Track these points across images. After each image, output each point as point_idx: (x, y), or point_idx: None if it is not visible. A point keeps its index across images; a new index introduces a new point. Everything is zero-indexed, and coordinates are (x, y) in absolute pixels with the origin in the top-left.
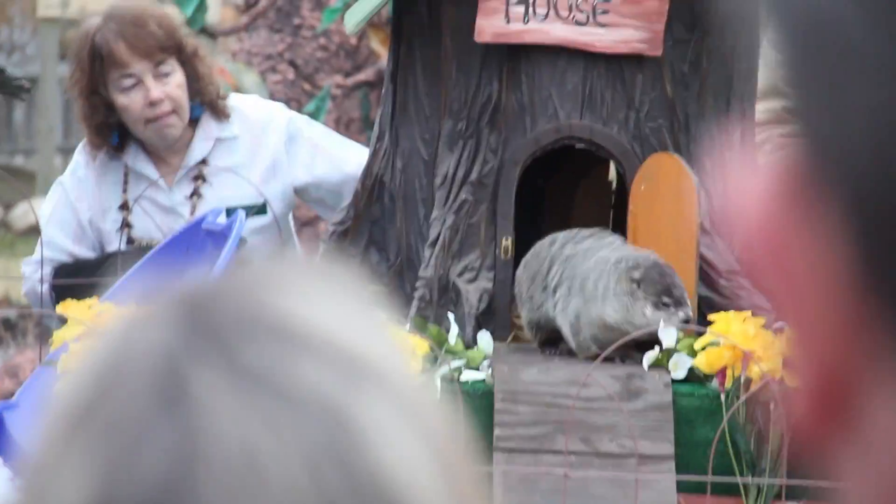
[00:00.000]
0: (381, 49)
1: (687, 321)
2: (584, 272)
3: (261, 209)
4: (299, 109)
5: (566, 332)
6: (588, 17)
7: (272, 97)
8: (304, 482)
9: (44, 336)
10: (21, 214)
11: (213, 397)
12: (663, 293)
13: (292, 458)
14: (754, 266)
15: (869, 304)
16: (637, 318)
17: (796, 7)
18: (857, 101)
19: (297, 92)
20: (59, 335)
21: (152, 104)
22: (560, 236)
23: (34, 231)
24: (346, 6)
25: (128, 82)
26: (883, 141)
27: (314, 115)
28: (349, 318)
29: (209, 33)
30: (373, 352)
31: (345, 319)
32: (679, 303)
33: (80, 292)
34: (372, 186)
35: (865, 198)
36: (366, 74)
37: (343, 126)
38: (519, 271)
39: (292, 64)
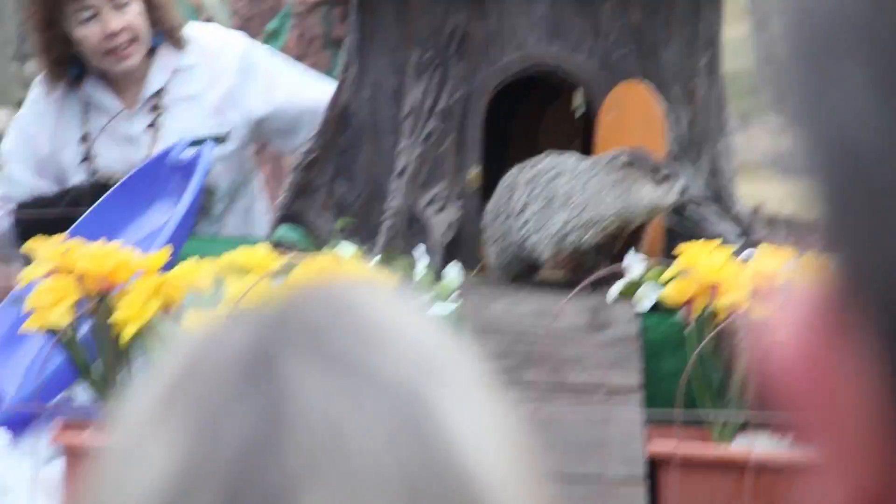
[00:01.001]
0: None
1: (685, 190)
2: (561, 186)
3: (220, 138)
4: (261, 27)
5: (542, 247)
6: None
7: (234, 14)
8: (382, 452)
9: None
10: None
11: (298, 374)
12: (657, 169)
13: (373, 430)
14: (790, 393)
15: None
16: (637, 200)
17: (829, 146)
18: (892, 231)
19: (259, 9)
20: (27, 273)
21: (111, 36)
22: (514, 168)
23: None
24: None
25: (85, 14)
26: None
27: (277, 33)
28: (421, 318)
29: None
30: (445, 347)
31: (417, 319)
32: (672, 175)
33: (45, 229)
34: (338, 117)
35: None
36: None
37: (306, 43)
38: (484, 218)
39: None
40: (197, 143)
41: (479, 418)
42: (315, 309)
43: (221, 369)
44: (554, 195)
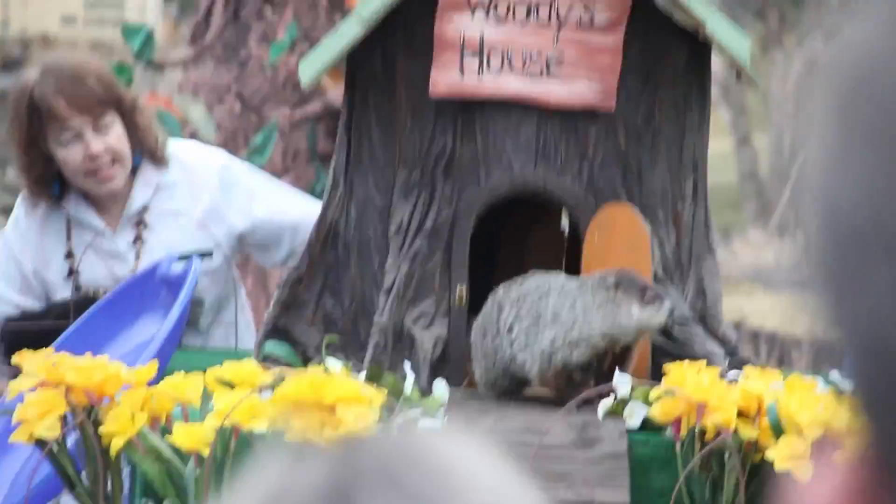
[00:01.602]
0: (328, 82)
1: (673, 311)
2: (549, 305)
3: (206, 253)
4: (246, 141)
5: (530, 364)
6: (542, 70)
7: (219, 129)
8: None
9: None
10: None
11: None
12: (644, 290)
13: None
14: None
15: None
16: (625, 320)
17: (864, 325)
18: None
19: (245, 124)
20: (14, 385)
21: (92, 158)
22: (500, 287)
23: None
24: (293, 41)
25: (67, 136)
26: None
27: (262, 148)
28: (488, 460)
29: (156, 65)
30: (513, 488)
31: (486, 460)
32: (660, 296)
33: (31, 343)
34: (326, 234)
35: None
36: (313, 107)
37: (290, 157)
38: (472, 336)
39: (239, 96)
40: (184, 257)
41: None
42: (387, 450)
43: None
44: (542, 313)
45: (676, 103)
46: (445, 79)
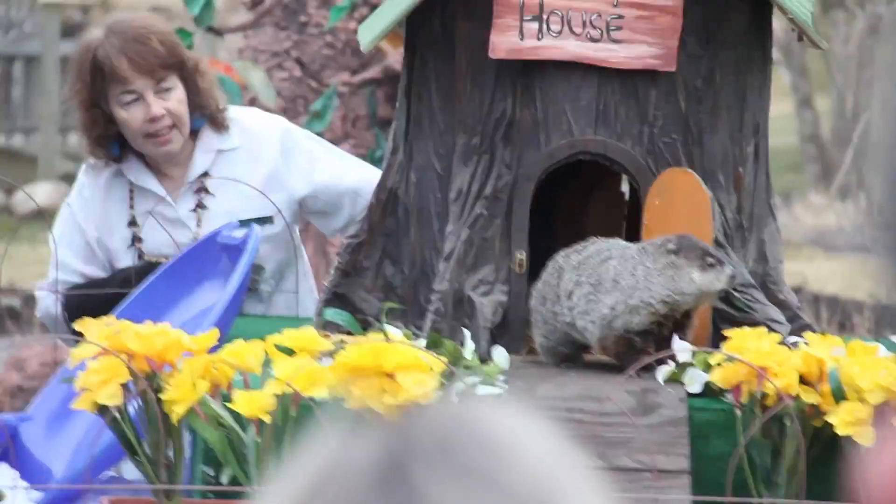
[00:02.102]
0: (387, 47)
1: (734, 277)
2: (609, 271)
3: (266, 219)
4: (306, 107)
5: (591, 330)
6: (602, 34)
7: (279, 95)
8: None
9: (51, 332)
10: (23, 199)
11: (432, 484)
12: (705, 255)
13: None
14: None
15: None
16: (686, 285)
17: None
18: None
19: (304, 89)
20: (76, 353)
21: (152, 120)
22: (560, 253)
23: (37, 216)
24: (352, 5)
25: (129, 98)
26: None
27: (321, 113)
28: (538, 431)
29: (216, 31)
30: (563, 457)
31: (535, 431)
32: (721, 261)
33: (93, 311)
34: (386, 200)
35: None
36: (373, 72)
37: (350, 123)
38: (532, 301)
39: (299, 61)
40: (244, 224)
41: None
42: (439, 422)
43: (355, 480)
44: (602, 279)
45: (737, 65)
46: (505, 42)
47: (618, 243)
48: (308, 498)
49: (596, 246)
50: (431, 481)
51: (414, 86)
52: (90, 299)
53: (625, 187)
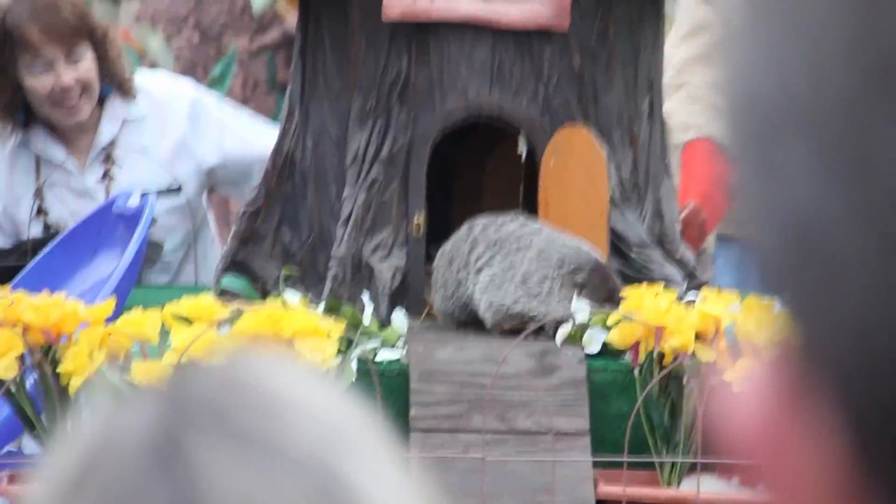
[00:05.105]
0: (286, 9)
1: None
2: (522, 264)
3: (174, 189)
4: (206, 72)
5: (484, 307)
6: None
7: (178, 60)
8: None
9: None
10: None
11: (208, 457)
12: (606, 299)
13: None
14: (748, 453)
15: (866, 499)
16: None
17: (782, 212)
18: (845, 302)
19: (203, 55)
20: None
21: (63, 90)
22: (479, 220)
23: None
24: None
25: (38, 66)
26: (870, 337)
27: (221, 78)
28: (321, 389)
29: None
30: (348, 417)
31: (317, 389)
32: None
33: None
34: (282, 165)
35: (857, 393)
36: (271, 37)
37: (250, 88)
38: (437, 260)
39: (197, 26)
40: (145, 192)
41: (388, 486)
42: (213, 386)
43: (129, 455)
44: (513, 268)
45: (631, 21)
46: (398, 3)
47: (540, 233)
48: (75, 487)
49: (516, 225)
50: (207, 453)
51: (308, 48)
52: None
53: (522, 146)
